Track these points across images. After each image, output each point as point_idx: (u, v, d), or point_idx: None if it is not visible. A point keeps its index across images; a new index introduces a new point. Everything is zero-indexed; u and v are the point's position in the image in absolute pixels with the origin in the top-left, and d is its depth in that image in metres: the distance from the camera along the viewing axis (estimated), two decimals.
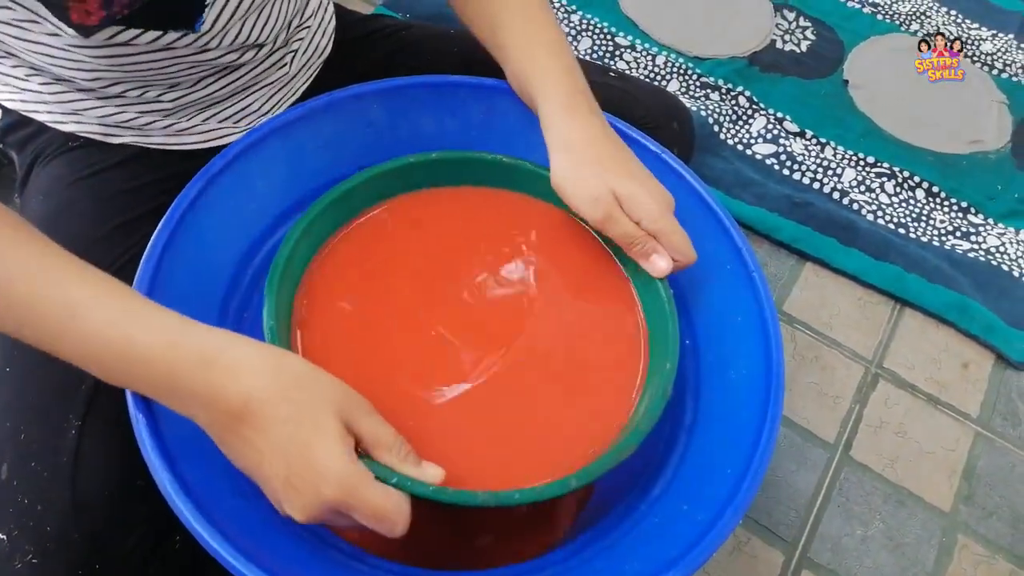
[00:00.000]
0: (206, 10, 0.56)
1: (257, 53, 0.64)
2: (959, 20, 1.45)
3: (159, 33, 0.55)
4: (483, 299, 0.56)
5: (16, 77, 0.61)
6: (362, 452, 0.42)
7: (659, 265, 0.54)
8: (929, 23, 1.43)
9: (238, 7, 0.58)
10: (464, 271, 0.57)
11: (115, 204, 0.62)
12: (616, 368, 0.54)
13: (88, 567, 0.48)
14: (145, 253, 0.51)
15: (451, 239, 0.59)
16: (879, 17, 1.43)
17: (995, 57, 1.39)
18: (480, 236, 0.59)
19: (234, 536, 0.42)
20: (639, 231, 0.53)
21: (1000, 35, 1.43)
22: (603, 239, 0.59)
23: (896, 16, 1.43)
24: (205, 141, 0.66)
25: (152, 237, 0.52)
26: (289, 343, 0.51)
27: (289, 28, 0.67)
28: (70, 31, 0.52)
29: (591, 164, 0.54)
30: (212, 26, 0.57)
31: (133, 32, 0.54)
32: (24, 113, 0.63)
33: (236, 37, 0.60)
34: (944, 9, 1.46)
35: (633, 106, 0.76)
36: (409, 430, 0.46)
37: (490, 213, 0.61)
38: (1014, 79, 1.36)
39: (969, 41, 1.41)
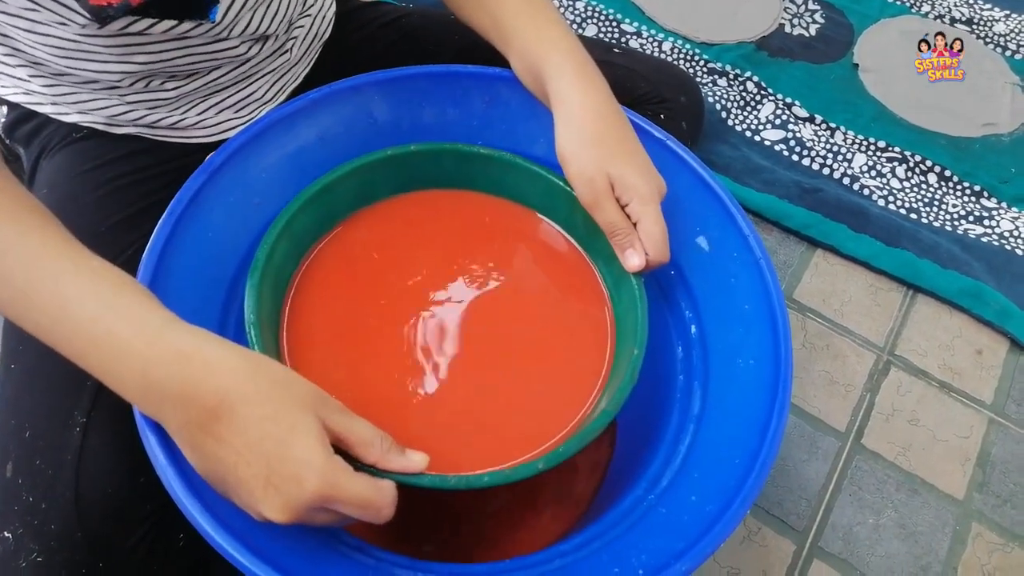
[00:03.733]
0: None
1: (264, 45, 0.64)
2: (971, 1, 1.43)
3: (174, 23, 0.55)
4: (460, 296, 0.57)
5: (19, 78, 0.61)
6: (340, 450, 0.41)
7: (632, 261, 0.54)
8: (940, 4, 1.41)
9: None
10: (442, 270, 0.59)
11: (118, 198, 0.62)
12: (585, 356, 0.56)
13: (91, 565, 0.48)
14: (146, 250, 0.51)
15: (429, 240, 0.60)
16: None
17: (1008, 38, 1.37)
18: (458, 236, 0.61)
19: (240, 532, 0.42)
20: (624, 221, 0.54)
21: (1014, 15, 1.41)
22: (577, 236, 0.61)
23: None
24: (210, 135, 0.66)
25: (153, 233, 0.51)
26: (276, 338, 0.52)
27: (293, 17, 0.67)
28: (80, 20, 0.52)
29: (593, 142, 0.54)
30: (224, 16, 0.57)
31: (148, 21, 0.54)
32: (28, 106, 0.63)
33: (246, 27, 0.60)
34: None
35: (638, 81, 0.76)
36: (390, 421, 0.49)
37: (466, 214, 0.62)
38: None
39: (982, 22, 1.39)
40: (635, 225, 0.54)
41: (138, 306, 0.41)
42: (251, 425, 0.38)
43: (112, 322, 0.40)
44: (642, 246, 0.54)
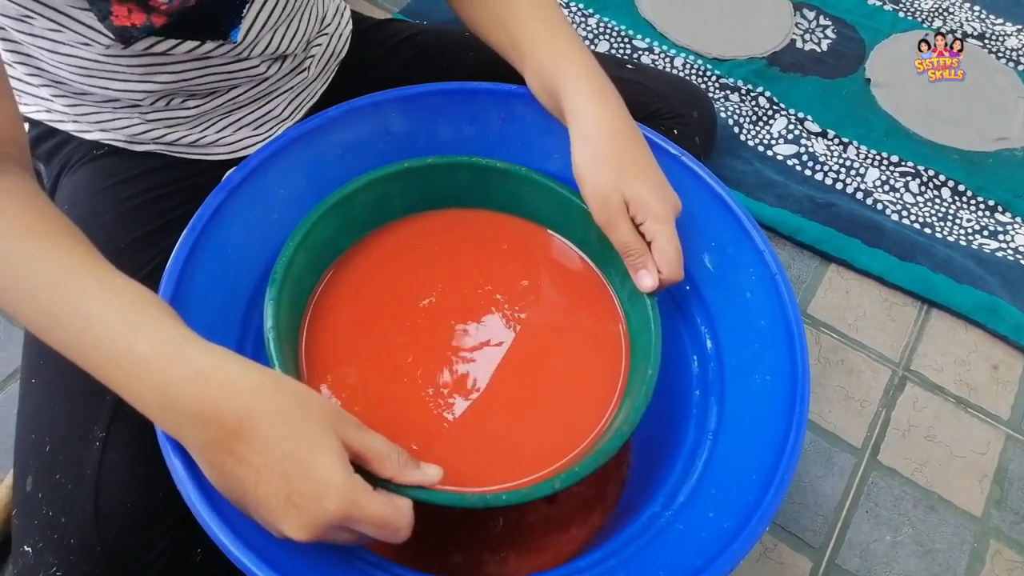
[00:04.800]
0: (242, 20, 0.57)
1: (282, 64, 0.65)
2: (983, 15, 1.43)
3: (196, 43, 0.56)
4: (475, 315, 0.58)
5: (42, 97, 0.62)
6: (358, 466, 0.41)
7: (645, 282, 0.54)
8: (952, 19, 1.41)
9: (269, 18, 0.59)
10: (458, 289, 0.59)
11: (138, 215, 0.62)
12: (600, 373, 0.56)
13: None
14: (167, 267, 0.51)
15: (446, 260, 0.61)
16: (901, 14, 1.41)
17: (1020, 52, 1.36)
18: (473, 255, 0.61)
19: (259, 547, 0.42)
20: (637, 242, 0.54)
21: None
22: (591, 254, 0.61)
23: (918, 13, 1.41)
24: (229, 153, 0.67)
25: (174, 250, 0.52)
26: (295, 352, 0.53)
27: (311, 37, 0.67)
28: (104, 41, 0.53)
29: (608, 161, 0.54)
30: (245, 36, 0.58)
31: (171, 42, 0.55)
32: (49, 124, 0.64)
33: (266, 47, 0.61)
34: (967, 4, 1.44)
35: (650, 97, 0.76)
36: (407, 439, 0.50)
37: (482, 233, 0.63)
38: None
39: (993, 36, 1.39)
40: (649, 244, 0.54)
41: (158, 324, 0.41)
42: (272, 444, 0.38)
43: (133, 339, 0.40)
44: (655, 266, 0.54)
